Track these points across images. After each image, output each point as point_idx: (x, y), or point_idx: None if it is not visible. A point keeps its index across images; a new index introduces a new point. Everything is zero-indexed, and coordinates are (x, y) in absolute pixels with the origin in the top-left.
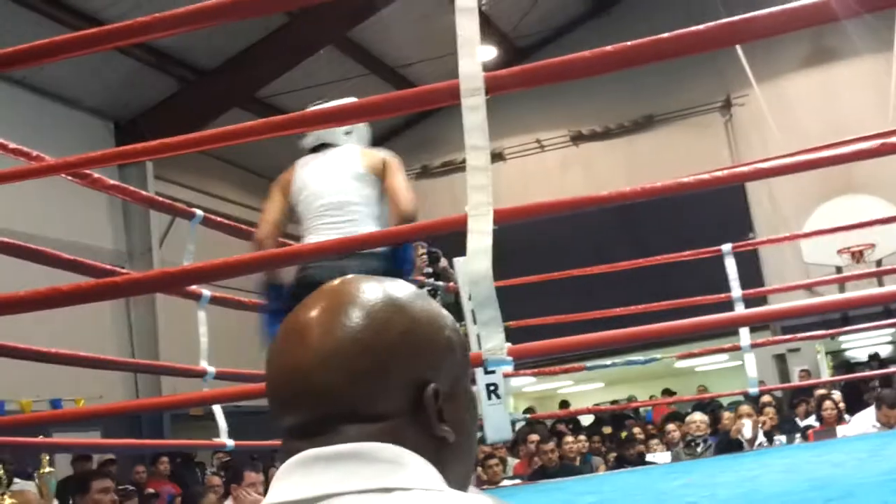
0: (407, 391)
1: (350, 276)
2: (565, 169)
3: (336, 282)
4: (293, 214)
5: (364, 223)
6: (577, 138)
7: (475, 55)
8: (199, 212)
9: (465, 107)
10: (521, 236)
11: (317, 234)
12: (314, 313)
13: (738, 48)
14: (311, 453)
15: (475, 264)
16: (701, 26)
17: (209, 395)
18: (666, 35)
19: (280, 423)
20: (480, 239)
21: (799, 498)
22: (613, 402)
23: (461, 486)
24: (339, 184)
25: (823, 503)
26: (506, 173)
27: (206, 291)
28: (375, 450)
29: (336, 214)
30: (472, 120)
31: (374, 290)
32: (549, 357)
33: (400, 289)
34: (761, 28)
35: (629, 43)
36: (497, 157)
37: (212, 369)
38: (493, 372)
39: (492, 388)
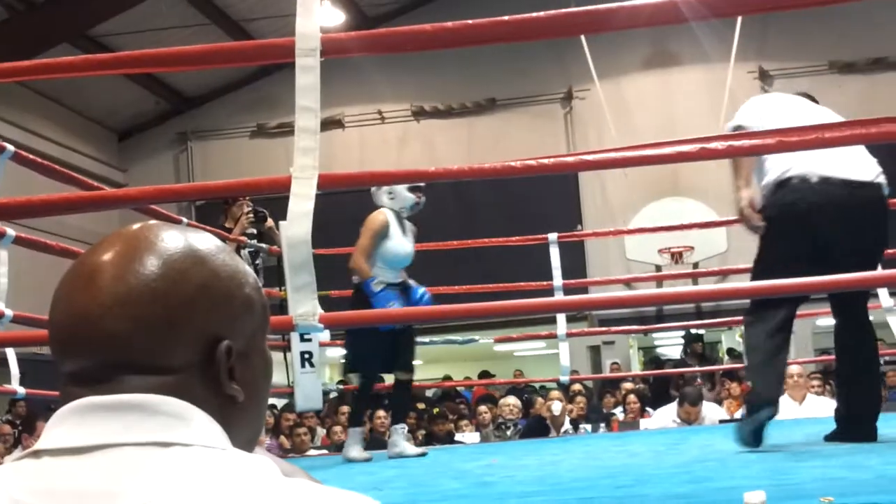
0: (198, 345)
1: (151, 221)
2: (405, 143)
3: (135, 226)
4: None
5: None
6: (419, 114)
7: (313, 15)
8: (9, 146)
9: (298, 66)
10: (363, 206)
11: None
12: (107, 256)
13: (584, 43)
14: (89, 401)
15: (294, 228)
16: (539, 13)
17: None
18: (505, 18)
19: (61, 368)
20: (302, 202)
21: (592, 483)
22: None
23: (247, 448)
24: None
25: (614, 489)
26: (344, 140)
27: (11, 231)
28: (158, 402)
29: None
30: (305, 81)
31: (175, 239)
32: None
33: (202, 240)
34: (599, 22)
35: (468, 21)
36: (336, 123)
37: (9, 312)
38: (309, 340)
39: (306, 356)
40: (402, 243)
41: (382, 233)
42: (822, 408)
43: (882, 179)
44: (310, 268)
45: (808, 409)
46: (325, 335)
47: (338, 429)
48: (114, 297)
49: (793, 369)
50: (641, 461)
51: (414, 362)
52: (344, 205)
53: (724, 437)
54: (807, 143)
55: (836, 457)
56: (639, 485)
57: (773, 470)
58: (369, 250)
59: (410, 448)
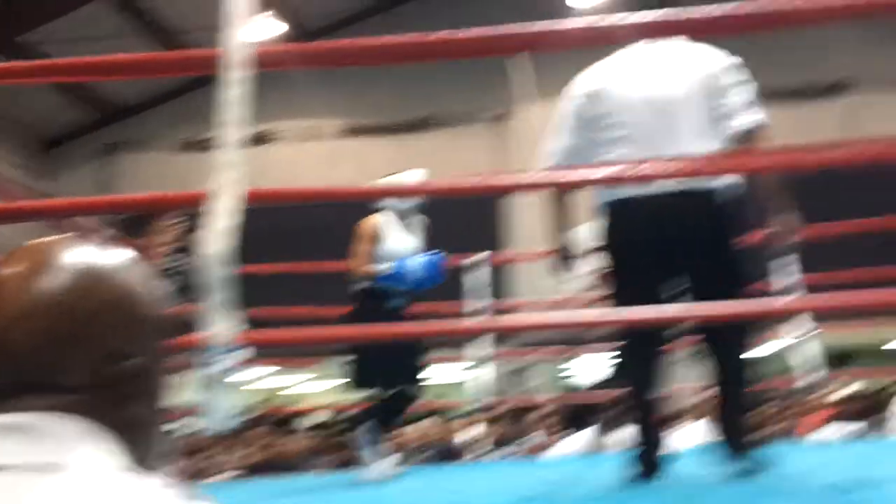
0: (102, 361)
1: (63, 235)
2: (337, 160)
3: (44, 240)
4: None
5: None
6: (353, 130)
7: (244, 27)
8: None
9: (225, 79)
10: (292, 222)
11: None
12: (13, 270)
13: (525, 64)
14: None
15: (213, 244)
16: (471, 32)
17: None
18: (436, 35)
19: None
20: (221, 218)
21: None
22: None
23: (157, 464)
24: None
25: None
26: (275, 156)
27: None
28: (49, 424)
29: None
30: (232, 93)
31: (83, 253)
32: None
33: (112, 255)
34: (532, 41)
35: (400, 38)
36: (267, 138)
37: None
38: (224, 359)
39: (220, 375)
40: (401, 241)
41: (374, 237)
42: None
43: (717, 185)
44: (228, 285)
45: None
46: (244, 355)
47: (251, 450)
48: (19, 310)
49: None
50: (551, 489)
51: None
52: (277, 221)
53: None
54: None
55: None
56: None
57: (682, 499)
58: (366, 255)
59: (384, 468)
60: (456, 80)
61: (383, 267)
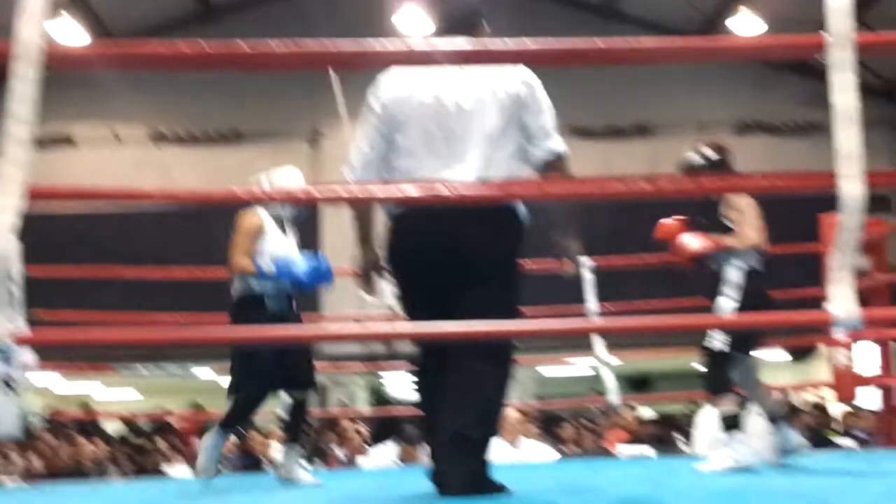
0: None
1: None
2: (141, 167)
3: None
4: None
5: None
6: (159, 139)
7: (38, 24)
8: None
9: (14, 76)
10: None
11: None
12: None
13: (333, 81)
14: None
15: None
16: (281, 46)
17: None
18: (241, 48)
19: None
20: (3, 216)
21: None
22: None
23: None
24: None
25: None
26: (77, 160)
27: None
28: None
29: None
30: (22, 90)
31: None
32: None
33: None
34: (346, 60)
35: (204, 46)
36: (68, 141)
37: None
38: (8, 362)
39: (4, 379)
40: (281, 242)
41: (258, 232)
42: (538, 452)
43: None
44: (7, 285)
45: (523, 454)
46: (30, 358)
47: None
48: None
49: (509, 413)
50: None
51: (313, 378)
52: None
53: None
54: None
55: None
56: None
57: None
58: (246, 250)
59: (304, 475)
60: (271, 95)
61: (265, 265)
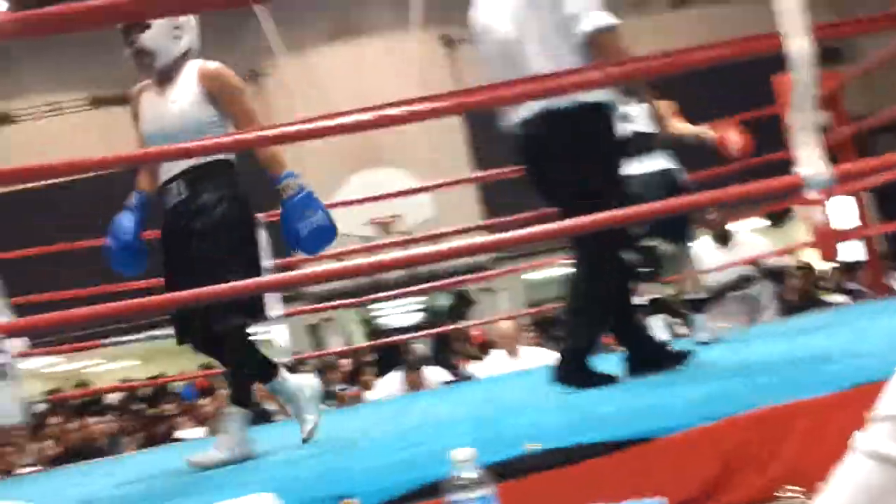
0: None
1: None
2: (85, 132)
3: None
4: None
5: None
6: (98, 102)
7: None
8: None
9: None
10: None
11: None
12: None
13: (264, 20)
14: None
15: None
16: None
17: None
18: None
19: None
20: None
21: (296, 462)
22: (151, 378)
23: None
24: None
25: (318, 465)
26: (17, 136)
27: None
28: None
29: None
30: None
31: None
32: (70, 335)
33: None
34: None
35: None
36: (5, 119)
37: None
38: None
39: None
40: None
41: None
42: (538, 358)
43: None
44: None
45: (524, 361)
46: (20, 344)
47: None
48: None
49: (503, 324)
50: (358, 434)
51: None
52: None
53: (443, 398)
54: None
55: (548, 403)
56: (350, 459)
57: (483, 425)
58: None
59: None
60: (205, 37)
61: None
